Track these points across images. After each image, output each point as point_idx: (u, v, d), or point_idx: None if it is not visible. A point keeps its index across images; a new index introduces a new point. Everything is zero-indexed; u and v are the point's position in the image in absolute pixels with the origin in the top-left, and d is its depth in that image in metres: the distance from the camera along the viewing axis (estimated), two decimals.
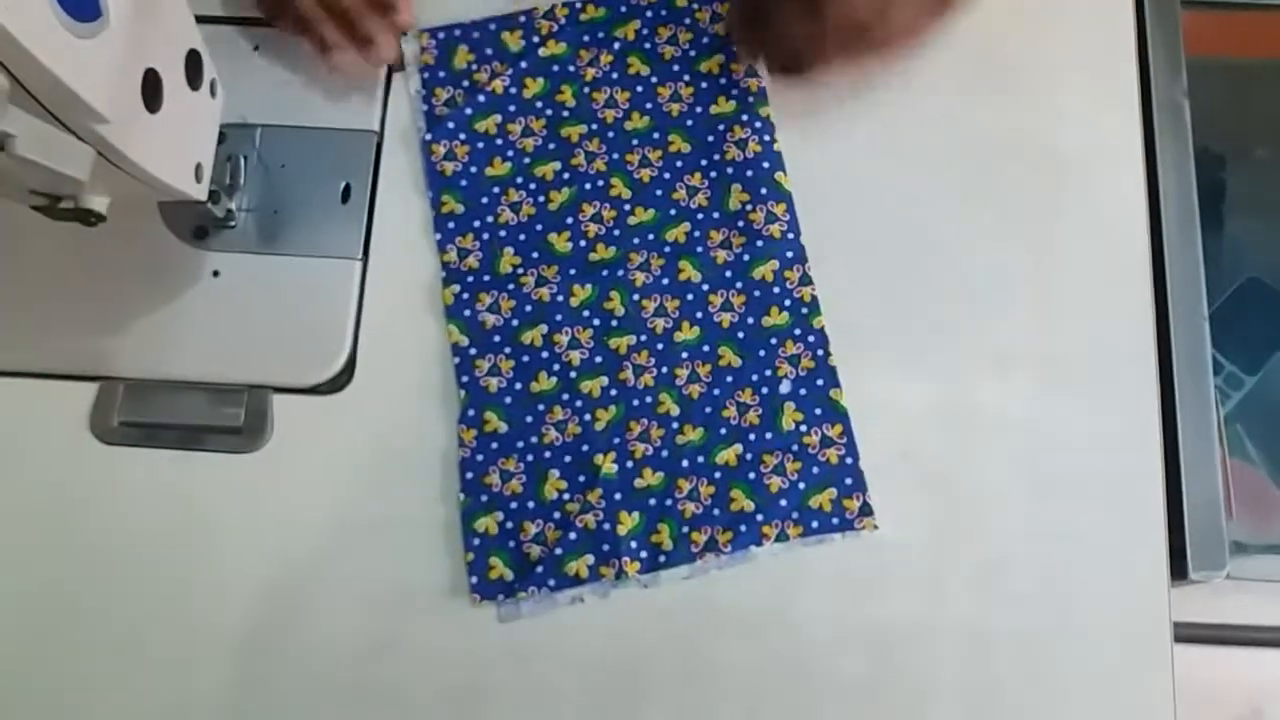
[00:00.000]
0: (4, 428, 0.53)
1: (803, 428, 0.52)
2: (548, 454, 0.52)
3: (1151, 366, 0.55)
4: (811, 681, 0.50)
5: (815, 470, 0.52)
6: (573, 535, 0.50)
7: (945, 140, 0.57)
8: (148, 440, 0.52)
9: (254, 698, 0.50)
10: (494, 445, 0.52)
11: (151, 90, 0.42)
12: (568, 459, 0.52)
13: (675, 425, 0.52)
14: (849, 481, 0.52)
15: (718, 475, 0.52)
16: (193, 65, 0.46)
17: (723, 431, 0.52)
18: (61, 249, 0.54)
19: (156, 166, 0.43)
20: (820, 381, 0.53)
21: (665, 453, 0.52)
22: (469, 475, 0.52)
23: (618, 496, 0.51)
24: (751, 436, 0.52)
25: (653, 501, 0.51)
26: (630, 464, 0.52)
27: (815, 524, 0.51)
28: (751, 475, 0.52)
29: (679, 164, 0.56)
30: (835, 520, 0.51)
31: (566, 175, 0.56)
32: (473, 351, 0.53)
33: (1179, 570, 0.53)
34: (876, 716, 0.50)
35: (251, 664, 0.50)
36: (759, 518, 0.51)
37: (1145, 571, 0.52)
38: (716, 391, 0.53)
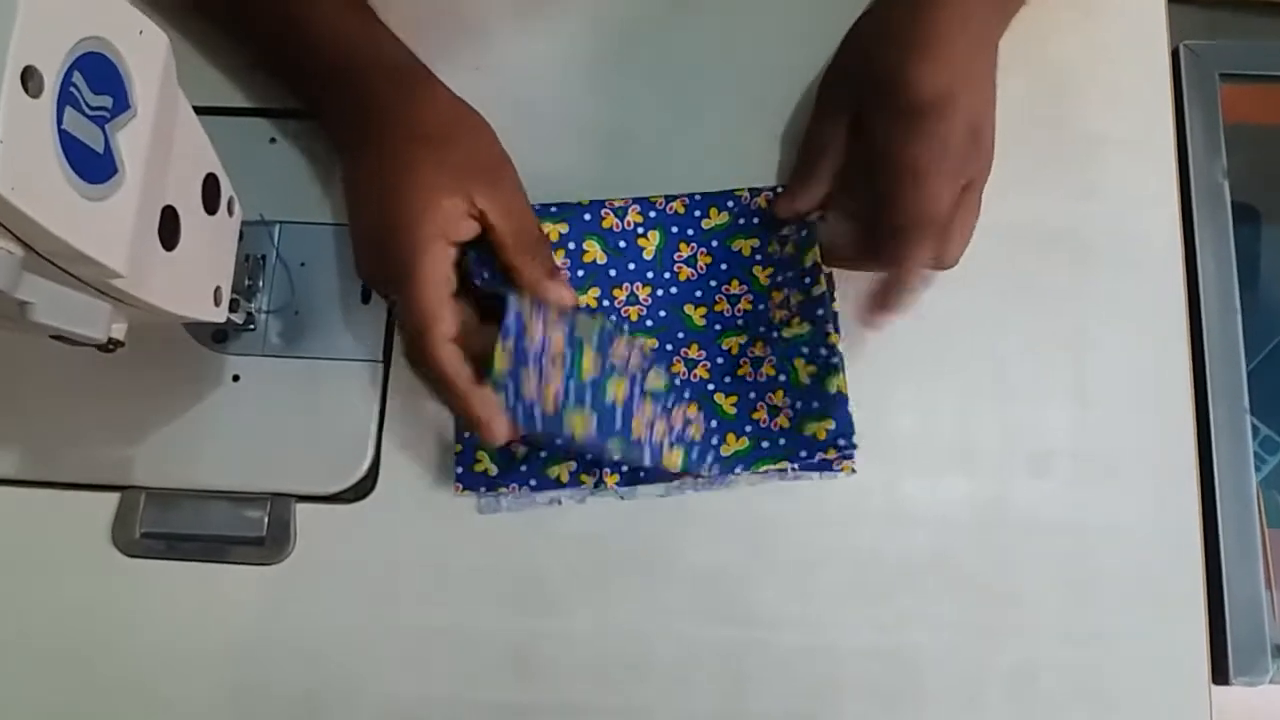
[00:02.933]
0: (24, 539, 0.53)
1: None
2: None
3: (1191, 462, 0.53)
4: None
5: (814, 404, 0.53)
6: (559, 441, 0.50)
7: (979, 226, 0.56)
8: (169, 552, 0.52)
9: None
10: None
11: (169, 229, 0.41)
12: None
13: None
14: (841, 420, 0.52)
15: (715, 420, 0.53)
16: (210, 190, 0.45)
17: (727, 380, 0.54)
18: (81, 355, 0.53)
19: (173, 302, 0.42)
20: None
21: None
22: None
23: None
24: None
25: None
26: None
27: (803, 453, 0.52)
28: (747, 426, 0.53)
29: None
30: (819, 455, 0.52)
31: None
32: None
33: (1220, 670, 0.52)
34: None
35: None
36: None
37: (1186, 674, 0.51)
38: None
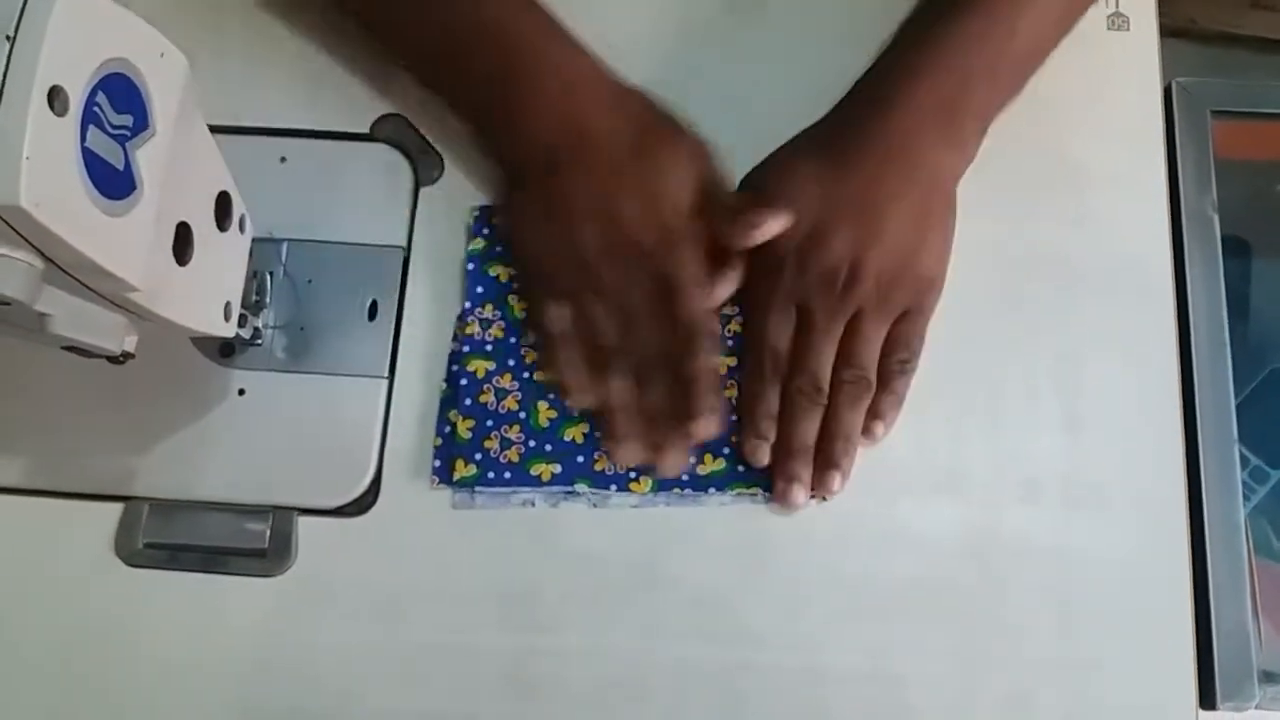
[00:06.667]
0: (28, 548, 0.53)
1: None
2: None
3: (1180, 491, 0.54)
4: None
5: None
6: (548, 447, 0.53)
7: (971, 255, 0.57)
8: (171, 562, 0.52)
9: None
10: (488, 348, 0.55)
11: (182, 244, 0.42)
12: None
13: None
14: None
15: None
16: (222, 206, 0.46)
17: None
18: (88, 367, 0.54)
19: (185, 316, 0.43)
20: None
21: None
22: (454, 368, 0.54)
23: (597, 435, 0.54)
24: None
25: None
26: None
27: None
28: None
29: None
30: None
31: None
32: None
33: (1207, 696, 0.53)
34: None
35: None
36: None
37: (1174, 700, 0.52)
38: None
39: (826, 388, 0.53)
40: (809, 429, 0.53)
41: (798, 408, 0.53)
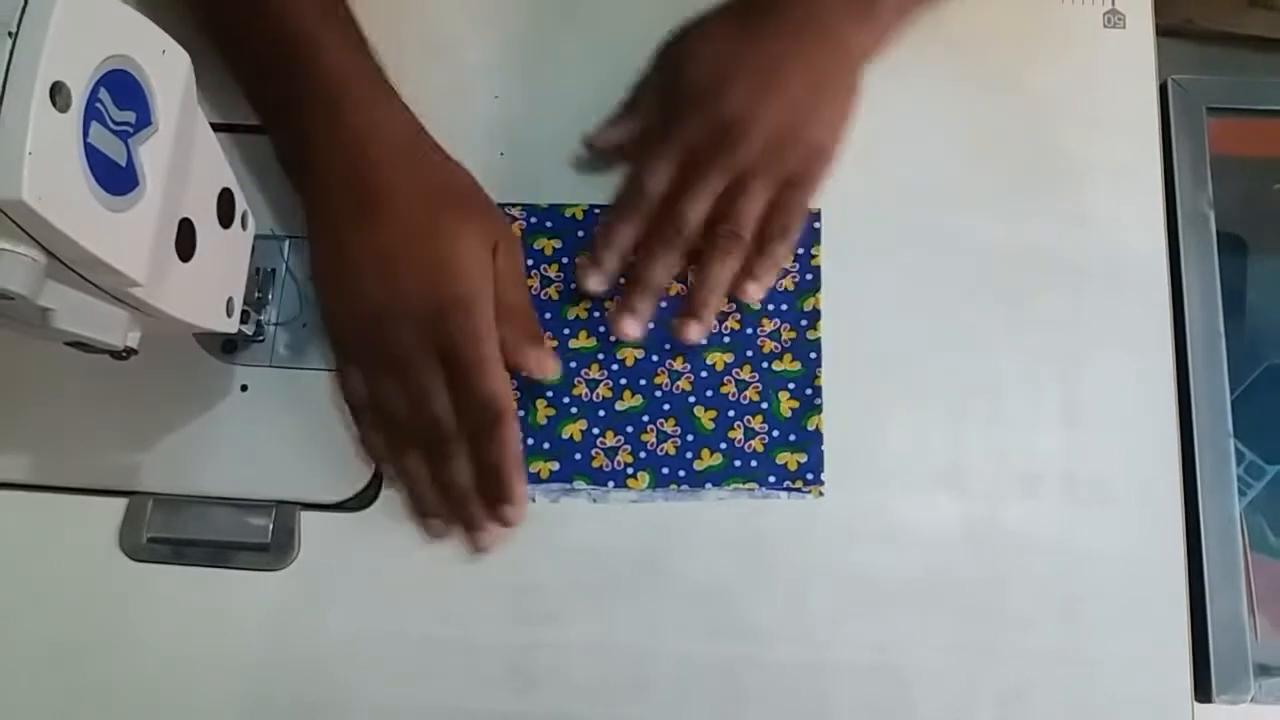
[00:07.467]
0: (33, 543, 0.54)
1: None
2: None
3: (1176, 486, 0.55)
4: None
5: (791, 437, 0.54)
6: (546, 444, 0.54)
7: (968, 250, 0.57)
8: (175, 557, 0.53)
9: None
10: None
11: (185, 241, 0.42)
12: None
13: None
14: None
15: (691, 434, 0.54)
16: (224, 203, 0.46)
17: (709, 395, 0.55)
18: (92, 364, 0.54)
19: (188, 311, 0.43)
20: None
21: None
22: None
23: (595, 431, 0.54)
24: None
25: (630, 428, 0.54)
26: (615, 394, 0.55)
27: (772, 478, 0.54)
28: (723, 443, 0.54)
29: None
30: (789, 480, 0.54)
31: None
32: None
33: (1203, 688, 0.53)
34: None
35: None
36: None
37: (1170, 693, 0.52)
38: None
39: (687, 233, 0.52)
40: (657, 268, 0.53)
41: (653, 243, 0.53)
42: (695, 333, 0.53)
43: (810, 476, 0.53)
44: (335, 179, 0.51)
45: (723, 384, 0.55)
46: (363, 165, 0.50)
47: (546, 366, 0.53)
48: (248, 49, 0.53)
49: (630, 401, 0.55)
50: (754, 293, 0.54)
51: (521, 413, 0.54)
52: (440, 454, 0.51)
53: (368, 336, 0.50)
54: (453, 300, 0.49)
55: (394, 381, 0.50)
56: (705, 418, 0.54)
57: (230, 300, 0.47)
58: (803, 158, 0.53)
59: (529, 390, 0.54)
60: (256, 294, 0.55)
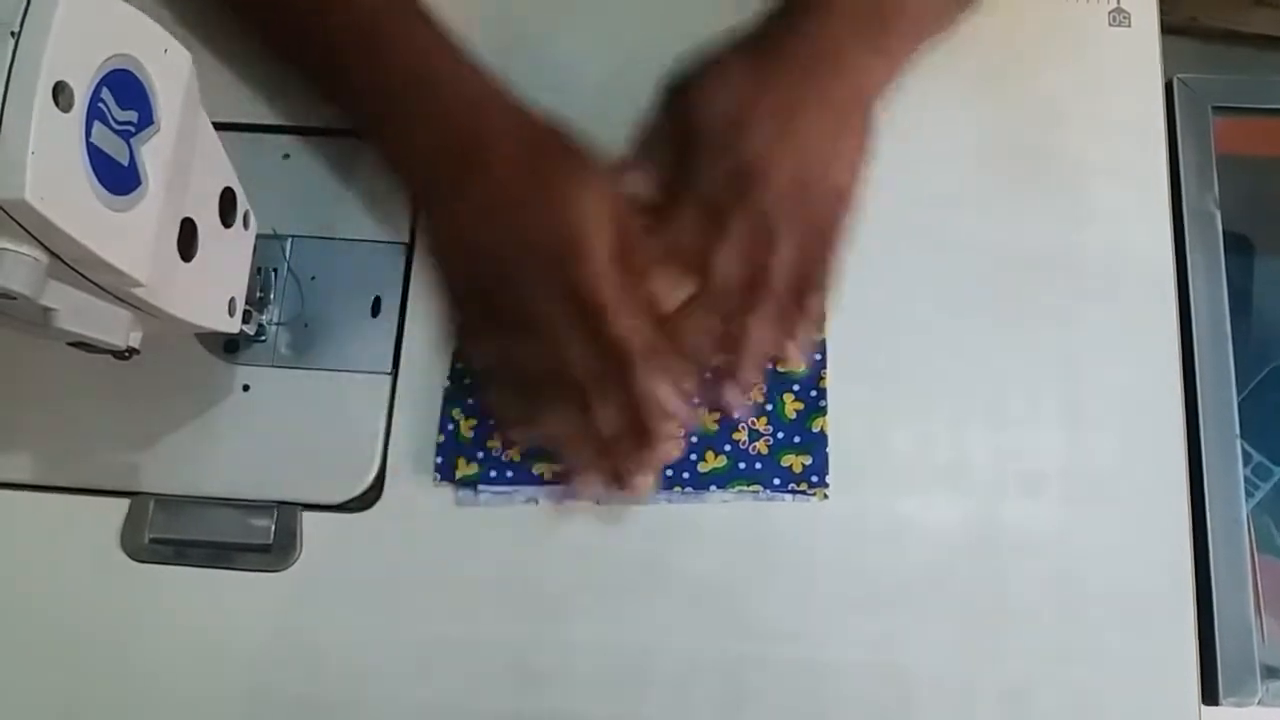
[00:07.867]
0: (34, 544, 0.53)
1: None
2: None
3: (1183, 487, 0.54)
4: None
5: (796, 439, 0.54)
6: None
7: (973, 250, 0.57)
8: (177, 558, 0.53)
9: None
10: None
11: (187, 240, 0.42)
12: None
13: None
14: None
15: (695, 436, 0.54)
16: (226, 203, 0.46)
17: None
18: (94, 363, 0.54)
19: (189, 311, 0.43)
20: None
21: None
22: (458, 365, 0.55)
23: None
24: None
25: None
26: None
27: (777, 481, 0.53)
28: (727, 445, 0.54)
29: None
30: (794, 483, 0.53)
31: None
32: None
33: (1209, 691, 0.53)
34: None
35: None
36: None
37: (1177, 695, 0.52)
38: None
39: (727, 287, 0.51)
40: (698, 331, 0.52)
41: (694, 304, 0.51)
42: (736, 397, 0.52)
43: (815, 479, 0.53)
44: (440, 151, 0.51)
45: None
46: (465, 132, 0.51)
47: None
48: (317, 42, 0.54)
49: None
50: (793, 353, 0.53)
51: None
52: (581, 405, 0.50)
53: (494, 297, 0.50)
54: (569, 244, 0.48)
55: (526, 337, 0.49)
56: (709, 420, 0.54)
57: (232, 300, 0.47)
58: (825, 204, 0.52)
59: None
60: (258, 293, 0.55)
